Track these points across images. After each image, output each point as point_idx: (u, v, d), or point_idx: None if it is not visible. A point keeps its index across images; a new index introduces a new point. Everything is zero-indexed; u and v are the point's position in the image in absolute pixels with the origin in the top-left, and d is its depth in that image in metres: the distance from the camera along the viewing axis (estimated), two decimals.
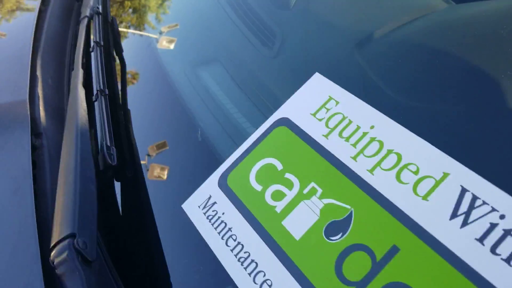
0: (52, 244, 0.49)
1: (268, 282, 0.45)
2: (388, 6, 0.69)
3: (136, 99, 0.82)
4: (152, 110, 0.75)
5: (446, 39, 0.57)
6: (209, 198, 0.54)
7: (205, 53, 0.78)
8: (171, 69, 0.79)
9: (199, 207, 0.54)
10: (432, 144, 0.44)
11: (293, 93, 0.56)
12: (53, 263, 0.48)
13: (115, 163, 0.63)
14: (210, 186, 0.54)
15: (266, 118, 0.57)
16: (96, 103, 0.75)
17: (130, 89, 0.85)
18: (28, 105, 0.71)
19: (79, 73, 0.74)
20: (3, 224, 0.56)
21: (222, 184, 0.54)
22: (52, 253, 0.48)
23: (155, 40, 0.93)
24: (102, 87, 0.76)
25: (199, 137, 0.61)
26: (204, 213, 0.53)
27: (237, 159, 0.55)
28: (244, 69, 0.68)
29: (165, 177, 0.64)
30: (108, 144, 0.65)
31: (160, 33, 0.93)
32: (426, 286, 0.38)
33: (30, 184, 0.57)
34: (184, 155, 0.63)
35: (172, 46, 0.87)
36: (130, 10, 1.14)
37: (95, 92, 0.77)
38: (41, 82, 0.80)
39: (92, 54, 0.89)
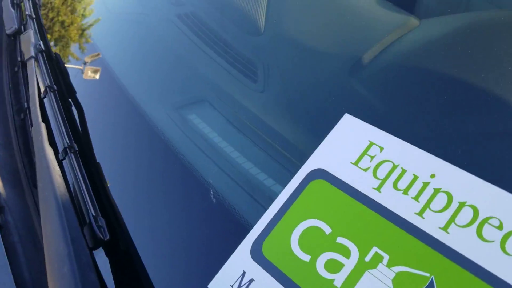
0: None
1: None
2: (362, 28, 0.65)
3: (107, 151, 0.71)
4: (135, 165, 0.65)
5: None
6: (244, 274, 0.45)
7: (192, 94, 0.69)
8: (150, 112, 0.69)
9: (231, 286, 0.44)
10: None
11: (318, 138, 0.50)
12: None
13: (108, 238, 0.52)
14: (241, 259, 0.46)
15: (287, 168, 0.50)
16: (64, 162, 0.63)
17: (97, 139, 0.73)
18: None
19: (42, 129, 0.62)
20: None
21: (257, 255, 0.45)
22: None
23: (80, 71, 0.85)
24: (69, 142, 0.64)
25: (213, 198, 0.51)
26: None
27: (269, 222, 0.46)
28: (235, 105, 0.60)
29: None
30: (94, 213, 0.54)
31: (84, 63, 0.86)
32: None
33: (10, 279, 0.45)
34: (194, 218, 0.53)
35: (97, 76, 0.81)
36: (52, 43, 1.03)
37: (60, 148, 0.65)
38: None
39: (45, 100, 0.76)
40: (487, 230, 0.38)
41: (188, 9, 0.88)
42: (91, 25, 1.01)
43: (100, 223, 0.53)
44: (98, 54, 0.89)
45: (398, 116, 0.51)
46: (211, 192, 0.52)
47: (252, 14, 0.76)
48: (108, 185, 0.62)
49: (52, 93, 0.75)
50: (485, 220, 0.39)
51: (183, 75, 0.72)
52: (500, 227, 0.38)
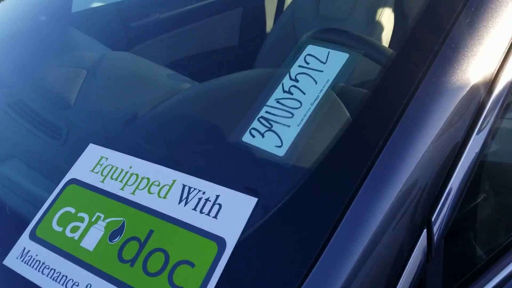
0: None
1: (77, 284, 0.64)
2: (148, 91, 0.99)
3: None
4: None
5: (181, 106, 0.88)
6: (24, 249, 0.71)
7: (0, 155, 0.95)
8: None
9: (17, 258, 0.70)
10: (166, 166, 0.72)
11: (75, 160, 0.79)
12: None
13: None
14: (23, 241, 0.72)
15: (55, 181, 0.78)
16: None
17: None
18: None
19: None
20: None
21: (32, 236, 0.72)
22: None
23: None
24: None
25: (8, 211, 0.78)
26: (23, 261, 0.69)
27: (41, 216, 0.74)
28: (36, 153, 0.88)
29: None
30: None
31: None
32: (172, 245, 0.63)
33: None
34: None
35: None
36: None
37: None
38: None
39: None
40: (152, 188, 0.70)
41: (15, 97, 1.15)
42: None
43: None
44: None
45: (118, 141, 0.83)
46: (7, 209, 0.78)
47: (62, 90, 1.06)
48: None
49: None
50: (152, 183, 0.70)
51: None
52: (158, 185, 0.70)
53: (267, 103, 0.73)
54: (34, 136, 0.96)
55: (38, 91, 1.09)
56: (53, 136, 0.95)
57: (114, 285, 0.62)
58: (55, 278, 0.66)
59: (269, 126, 0.70)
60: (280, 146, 0.68)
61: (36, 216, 0.74)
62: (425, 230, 0.62)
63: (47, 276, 0.66)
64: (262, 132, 0.70)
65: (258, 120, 0.72)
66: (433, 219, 0.63)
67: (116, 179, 0.73)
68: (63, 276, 0.66)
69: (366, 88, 0.71)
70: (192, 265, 0.61)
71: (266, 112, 0.72)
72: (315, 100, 0.71)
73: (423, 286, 0.66)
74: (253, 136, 0.70)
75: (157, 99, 0.90)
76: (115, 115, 0.91)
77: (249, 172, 0.69)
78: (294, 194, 0.64)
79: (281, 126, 0.70)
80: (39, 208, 0.75)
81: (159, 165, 0.72)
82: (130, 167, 0.74)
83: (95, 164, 0.77)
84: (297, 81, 0.73)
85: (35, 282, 0.67)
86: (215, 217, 0.64)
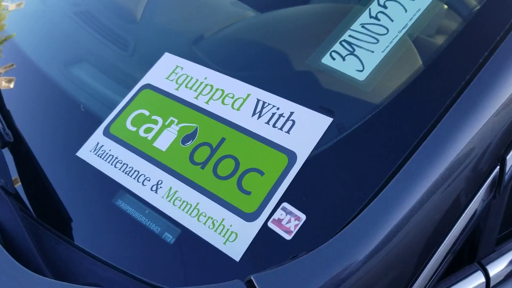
0: None
1: (148, 179, 0.67)
2: (213, 14, 0.98)
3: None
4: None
5: (249, 33, 0.87)
6: (97, 143, 0.74)
7: (73, 58, 0.97)
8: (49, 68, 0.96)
9: (90, 151, 0.74)
10: (241, 80, 0.72)
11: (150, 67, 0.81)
12: None
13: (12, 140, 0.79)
14: (96, 136, 0.75)
15: (130, 86, 0.80)
16: None
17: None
18: None
19: None
20: None
21: (106, 132, 0.75)
22: None
23: None
24: None
25: (82, 109, 0.81)
26: (96, 154, 0.73)
27: (115, 115, 0.76)
28: (111, 64, 0.91)
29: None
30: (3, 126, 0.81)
31: None
32: (243, 154, 0.64)
33: None
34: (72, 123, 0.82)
35: (12, 85, 0.96)
36: None
37: None
38: None
39: None
40: (226, 100, 0.70)
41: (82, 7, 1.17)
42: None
43: (7, 132, 0.80)
44: (12, 65, 1.08)
45: (193, 54, 0.83)
46: (82, 106, 0.81)
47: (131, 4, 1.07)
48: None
49: None
50: (226, 95, 0.71)
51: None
52: (232, 97, 0.70)
53: (351, 27, 0.71)
54: (106, 46, 0.98)
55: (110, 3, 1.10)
56: (124, 47, 0.97)
57: (185, 183, 0.64)
58: (127, 172, 0.69)
59: (351, 50, 0.69)
60: (361, 71, 0.66)
61: (110, 115, 0.76)
62: (498, 166, 0.61)
63: (119, 169, 0.69)
64: (344, 55, 0.69)
65: (340, 43, 0.70)
66: (507, 157, 0.62)
67: (190, 88, 0.74)
68: (135, 171, 0.68)
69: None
70: (261, 173, 0.62)
71: (350, 36, 0.70)
72: (403, 28, 0.68)
73: (484, 221, 0.66)
74: (333, 59, 0.69)
75: (234, 19, 0.89)
76: (188, 31, 0.91)
77: (326, 93, 0.68)
78: (370, 119, 0.63)
79: (364, 51, 0.68)
80: (112, 109, 0.77)
81: (234, 79, 0.73)
82: (205, 78, 0.75)
83: (170, 72, 0.78)
84: (385, 7, 0.71)
85: (107, 174, 0.70)
86: (288, 132, 0.64)
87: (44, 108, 0.86)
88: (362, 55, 0.68)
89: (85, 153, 0.74)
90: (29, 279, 0.53)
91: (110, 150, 0.72)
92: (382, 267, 0.54)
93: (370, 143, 0.62)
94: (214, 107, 0.71)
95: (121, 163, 0.70)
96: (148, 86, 0.78)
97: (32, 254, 0.61)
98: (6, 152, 0.78)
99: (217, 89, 0.72)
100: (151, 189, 0.66)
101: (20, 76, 0.96)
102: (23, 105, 0.90)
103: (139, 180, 0.67)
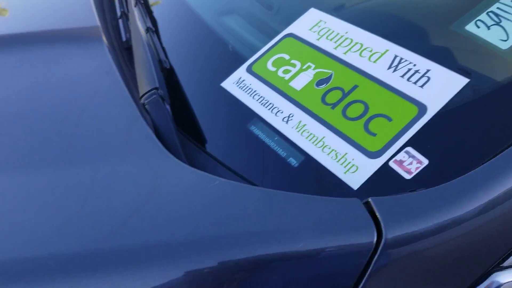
0: (141, 94, 0.77)
1: (281, 111, 0.74)
2: None
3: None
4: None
5: None
6: (240, 78, 0.83)
7: (226, 9, 1.08)
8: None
9: (233, 83, 0.83)
10: (380, 36, 0.76)
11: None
12: (143, 104, 0.76)
13: (169, 67, 0.92)
14: (240, 72, 0.84)
15: (275, 33, 0.88)
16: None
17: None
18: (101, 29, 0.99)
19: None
20: (106, 94, 0.82)
21: (249, 69, 0.84)
22: (143, 97, 0.77)
23: None
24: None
25: (230, 48, 0.91)
26: (238, 86, 0.82)
27: (258, 57, 0.85)
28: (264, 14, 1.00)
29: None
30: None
31: None
32: (373, 101, 0.69)
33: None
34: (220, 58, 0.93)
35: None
36: None
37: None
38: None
39: None
40: (364, 53, 0.75)
41: None
42: None
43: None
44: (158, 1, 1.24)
45: (340, 9, 0.89)
46: (230, 46, 0.91)
47: None
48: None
49: None
50: (365, 48, 0.76)
51: None
52: (371, 51, 0.75)
53: (501, 1, 0.72)
54: (255, 2, 1.08)
55: None
56: (269, 5, 1.05)
57: (314, 118, 0.71)
58: (263, 104, 0.77)
59: (497, 20, 0.70)
60: (505, 40, 0.67)
61: (254, 56, 0.85)
62: None
63: (256, 101, 0.78)
64: (489, 25, 0.70)
65: (487, 14, 0.71)
66: None
67: (331, 40, 0.80)
68: (270, 103, 0.77)
69: None
70: (389, 119, 0.66)
71: (498, 8, 0.71)
72: None
73: None
74: (478, 27, 0.70)
75: None
76: None
77: (466, 57, 0.70)
78: (506, 86, 0.64)
79: (511, 23, 0.68)
80: (255, 53, 0.86)
81: (374, 35, 0.77)
82: (346, 32, 0.80)
83: (313, 25, 0.84)
84: None
85: (245, 103, 0.79)
86: (421, 87, 0.67)
87: (198, 45, 0.97)
88: (508, 27, 0.68)
89: (229, 84, 0.84)
90: (180, 167, 0.64)
91: (250, 84, 0.81)
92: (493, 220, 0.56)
93: (502, 108, 0.63)
94: (351, 58, 0.76)
95: (258, 95, 0.79)
96: (291, 35, 0.85)
97: (179, 154, 0.72)
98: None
99: (356, 43, 0.78)
100: (283, 120, 0.73)
101: (180, 22, 1.10)
102: (179, 42, 1.03)
103: (273, 112, 0.75)
